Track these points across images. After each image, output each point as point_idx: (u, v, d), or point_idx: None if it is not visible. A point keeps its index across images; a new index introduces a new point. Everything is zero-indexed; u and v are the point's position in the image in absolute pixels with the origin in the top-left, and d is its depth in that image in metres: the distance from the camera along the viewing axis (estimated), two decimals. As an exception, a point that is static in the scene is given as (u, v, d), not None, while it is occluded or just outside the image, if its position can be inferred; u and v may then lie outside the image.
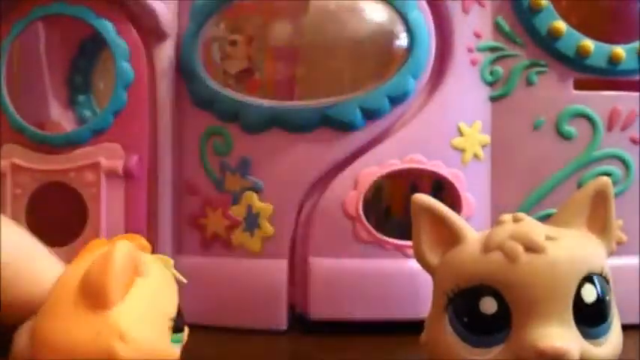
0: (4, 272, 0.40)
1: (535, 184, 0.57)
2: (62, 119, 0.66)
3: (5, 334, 0.39)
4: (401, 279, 0.54)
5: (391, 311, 0.55)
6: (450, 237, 0.34)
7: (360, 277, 0.55)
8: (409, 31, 0.56)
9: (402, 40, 0.56)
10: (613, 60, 0.57)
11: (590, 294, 0.32)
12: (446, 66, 0.57)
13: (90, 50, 0.68)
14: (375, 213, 0.62)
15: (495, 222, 0.34)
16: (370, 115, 0.55)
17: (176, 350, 0.35)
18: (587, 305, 0.31)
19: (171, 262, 0.39)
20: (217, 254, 0.58)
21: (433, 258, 0.34)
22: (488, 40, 0.57)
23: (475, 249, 0.33)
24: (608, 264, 0.34)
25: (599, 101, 0.57)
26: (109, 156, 0.57)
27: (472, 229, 0.35)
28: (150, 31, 0.58)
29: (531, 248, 0.31)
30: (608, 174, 0.55)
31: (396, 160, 0.56)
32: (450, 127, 0.57)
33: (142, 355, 0.32)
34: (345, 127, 0.56)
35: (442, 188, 0.58)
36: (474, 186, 0.57)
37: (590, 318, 0.32)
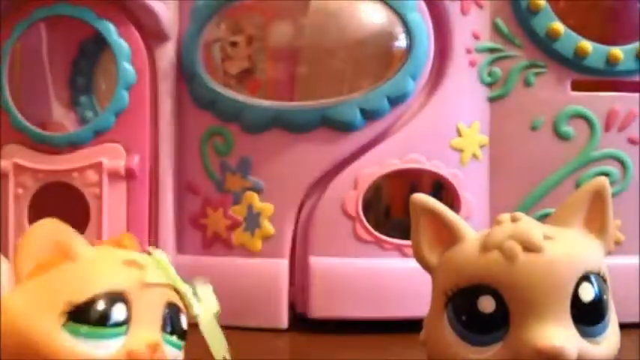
0: None
1: (533, 184, 0.57)
2: (64, 120, 0.66)
3: None
4: (400, 278, 0.55)
5: (390, 310, 0.55)
6: (448, 237, 0.34)
7: (360, 276, 0.56)
8: (408, 32, 0.56)
9: (401, 41, 0.57)
10: (611, 61, 0.57)
11: (587, 293, 0.32)
12: (445, 67, 0.57)
13: (91, 51, 0.69)
14: (375, 213, 0.62)
15: (494, 222, 0.35)
16: (370, 115, 0.56)
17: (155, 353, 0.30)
18: (584, 304, 0.32)
19: (163, 260, 0.36)
20: (218, 254, 0.59)
21: (432, 257, 0.35)
22: (486, 41, 0.58)
23: (474, 248, 0.33)
24: (607, 263, 0.34)
25: (597, 102, 0.58)
26: (111, 156, 0.57)
27: (471, 228, 0.35)
28: (151, 32, 0.59)
29: (529, 248, 0.31)
30: (606, 174, 0.55)
31: (396, 160, 0.56)
32: (449, 128, 0.57)
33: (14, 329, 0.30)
34: (344, 127, 0.56)
35: (441, 188, 0.59)
36: (472, 186, 0.57)
37: (588, 317, 0.32)
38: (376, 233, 0.56)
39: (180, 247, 0.60)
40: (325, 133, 0.56)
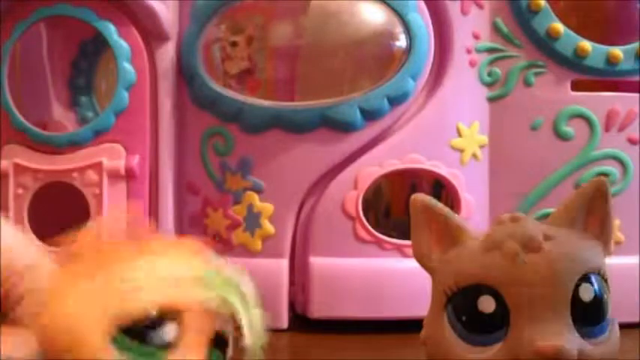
0: None
1: (533, 184, 0.57)
2: (64, 120, 0.66)
3: None
4: (400, 278, 0.55)
5: (390, 310, 0.55)
6: (449, 237, 0.34)
7: (360, 276, 0.56)
8: (408, 32, 0.56)
9: (402, 42, 0.57)
10: (611, 61, 0.57)
11: (587, 293, 0.32)
12: (445, 67, 0.57)
13: (91, 51, 0.69)
14: (375, 213, 0.62)
15: (494, 222, 0.35)
16: (370, 115, 0.56)
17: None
18: (584, 304, 0.31)
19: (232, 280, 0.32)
20: (218, 254, 0.58)
21: (432, 257, 0.35)
22: (486, 41, 0.58)
23: (474, 248, 0.33)
24: (607, 263, 0.34)
25: (597, 102, 0.58)
26: (111, 156, 0.57)
27: (471, 228, 0.35)
28: (151, 33, 0.59)
29: (529, 247, 0.31)
30: (605, 174, 0.55)
31: (396, 160, 0.56)
32: (449, 128, 0.57)
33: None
34: (344, 127, 0.56)
35: (441, 188, 0.59)
36: (472, 186, 0.57)
37: (588, 317, 0.32)
38: (376, 233, 0.56)
39: (181, 247, 0.60)
40: (325, 133, 0.56)
